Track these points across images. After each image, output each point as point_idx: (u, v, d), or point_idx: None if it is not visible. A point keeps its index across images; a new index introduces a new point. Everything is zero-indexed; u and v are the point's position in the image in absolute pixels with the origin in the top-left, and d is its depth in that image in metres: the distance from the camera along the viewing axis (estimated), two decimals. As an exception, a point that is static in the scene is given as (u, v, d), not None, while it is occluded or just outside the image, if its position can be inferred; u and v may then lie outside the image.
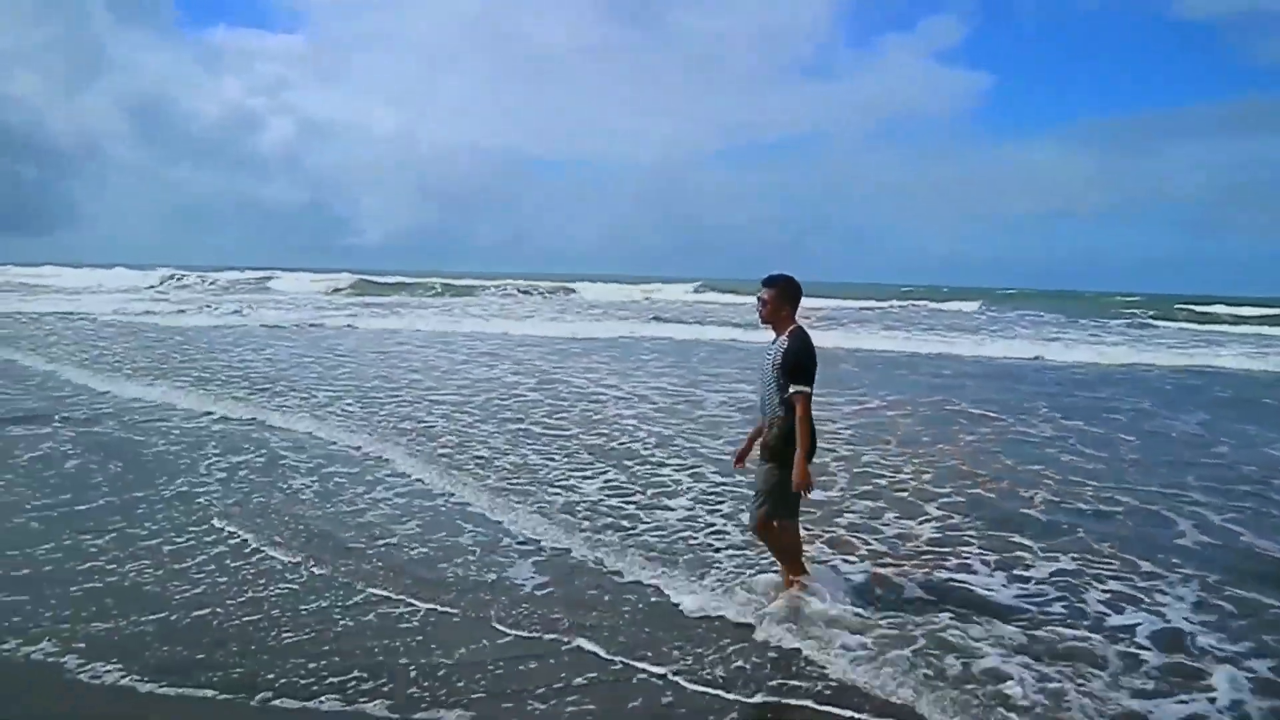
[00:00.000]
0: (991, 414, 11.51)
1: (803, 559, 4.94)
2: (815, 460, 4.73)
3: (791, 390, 4.47)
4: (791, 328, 4.62)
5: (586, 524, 6.29)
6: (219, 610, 4.66)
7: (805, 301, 4.86)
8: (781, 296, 4.66)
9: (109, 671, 3.97)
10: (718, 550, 5.75)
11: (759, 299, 4.70)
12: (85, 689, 3.86)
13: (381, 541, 5.88)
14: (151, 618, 4.55)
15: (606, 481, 7.52)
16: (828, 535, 6.10)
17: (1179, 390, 15.02)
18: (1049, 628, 4.63)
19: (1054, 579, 5.37)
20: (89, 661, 4.06)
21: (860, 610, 4.65)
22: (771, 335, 4.77)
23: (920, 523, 6.51)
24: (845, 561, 5.55)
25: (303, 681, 3.92)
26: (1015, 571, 5.49)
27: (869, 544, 5.97)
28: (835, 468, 8.02)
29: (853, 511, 6.72)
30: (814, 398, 4.56)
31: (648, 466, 8.10)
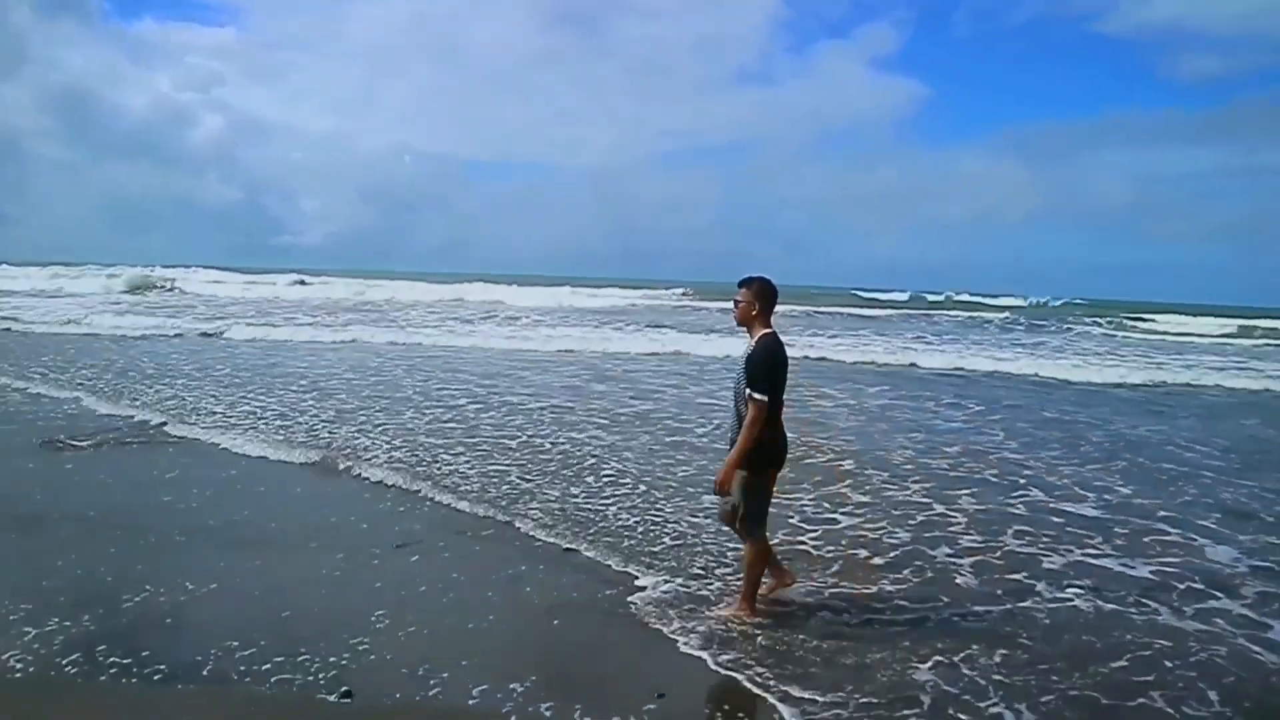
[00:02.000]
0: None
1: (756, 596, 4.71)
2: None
3: (748, 393, 4.37)
4: (763, 332, 4.49)
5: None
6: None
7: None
8: (755, 297, 4.53)
9: None
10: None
11: (734, 300, 4.61)
12: None
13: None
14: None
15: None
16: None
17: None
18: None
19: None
20: None
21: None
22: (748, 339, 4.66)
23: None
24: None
25: None
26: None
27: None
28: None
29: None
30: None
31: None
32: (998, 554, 5.92)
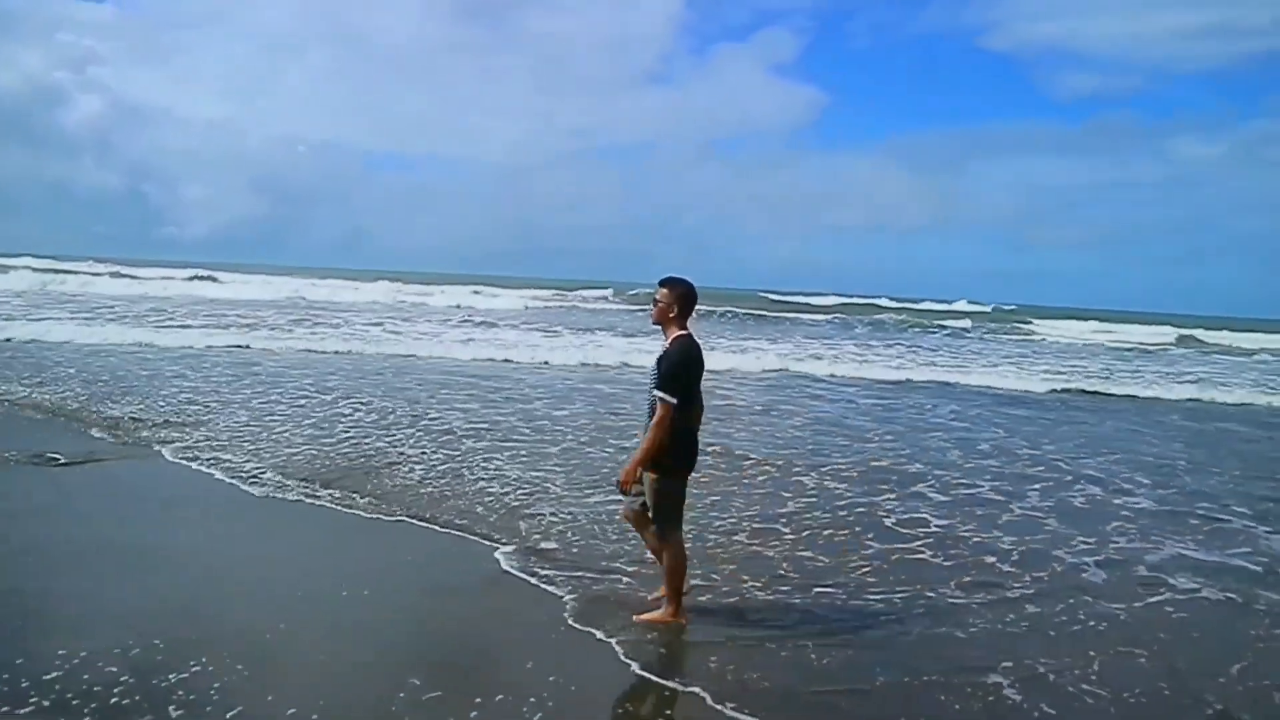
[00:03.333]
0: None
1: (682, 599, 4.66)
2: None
3: (655, 394, 4.33)
4: (678, 334, 4.45)
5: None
6: None
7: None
8: (675, 300, 4.48)
9: None
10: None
11: (653, 299, 4.56)
12: None
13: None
14: None
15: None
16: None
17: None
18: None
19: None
20: None
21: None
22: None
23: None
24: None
25: None
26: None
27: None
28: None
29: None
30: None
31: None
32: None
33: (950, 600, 5.22)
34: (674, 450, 4.39)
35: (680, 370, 4.35)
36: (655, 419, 4.30)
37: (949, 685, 4.08)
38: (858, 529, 6.59)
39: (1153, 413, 15.10)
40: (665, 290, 4.50)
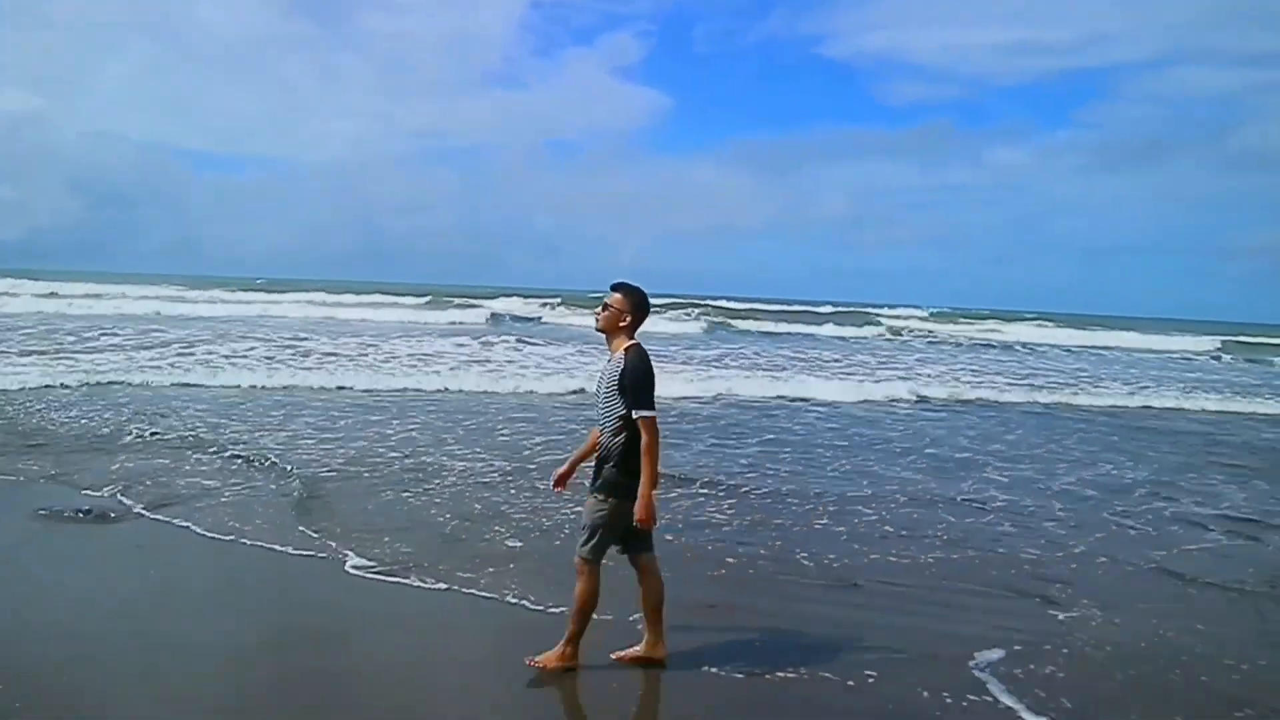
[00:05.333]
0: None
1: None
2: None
3: (636, 415, 3.94)
4: (631, 343, 4.09)
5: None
6: None
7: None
8: (630, 308, 4.10)
9: None
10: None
11: (603, 304, 4.14)
12: None
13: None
14: None
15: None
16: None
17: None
18: None
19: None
20: None
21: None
22: (609, 352, 4.19)
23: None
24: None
25: None
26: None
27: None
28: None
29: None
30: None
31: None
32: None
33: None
34: (629, 476, 4.01)
35: (651, 381, 4.01)
36: (647, 441, 3.94)
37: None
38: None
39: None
40: (619, 296, 4.11)
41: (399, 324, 29.56)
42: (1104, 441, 12.06)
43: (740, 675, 4.16)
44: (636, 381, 3.95)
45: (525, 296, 51.05)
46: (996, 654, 4.51)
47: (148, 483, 7.19)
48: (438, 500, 7.13)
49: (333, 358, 17.10)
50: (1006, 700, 4.01)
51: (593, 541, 4.06)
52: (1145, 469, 10.12)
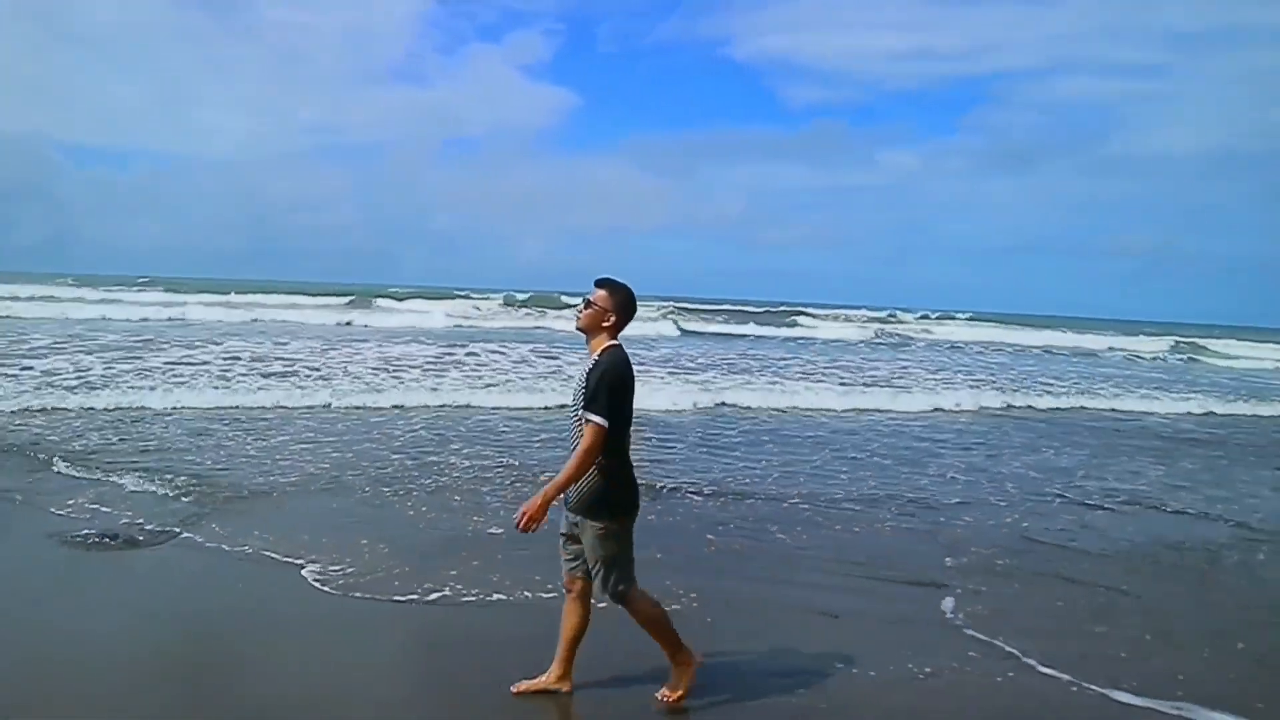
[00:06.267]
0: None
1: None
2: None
3: (583, 414, 3.54)
4: (611, 344, 3.68)
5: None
6: None
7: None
8: (615, 307, 3.70)
9: None
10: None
11: (585, 301, 3.73)
12: None
13: None
14: None
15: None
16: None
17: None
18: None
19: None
20: None
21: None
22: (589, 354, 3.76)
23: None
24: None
25: None
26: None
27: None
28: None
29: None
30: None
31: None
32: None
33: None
34: (620, 488, 3.64)
35: (616, 383, 3.55)
36: (584, 445, 3.48)
37: None
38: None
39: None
40: (604, 293, 3.70)
41: (349, 329, 27.15)
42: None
43: None
44: (599, 381, 3.51)
45: (440, 298, 44.98)
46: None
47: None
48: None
49: (375, 375, 14.60)
50: None
51: (615, 572, 3.65)
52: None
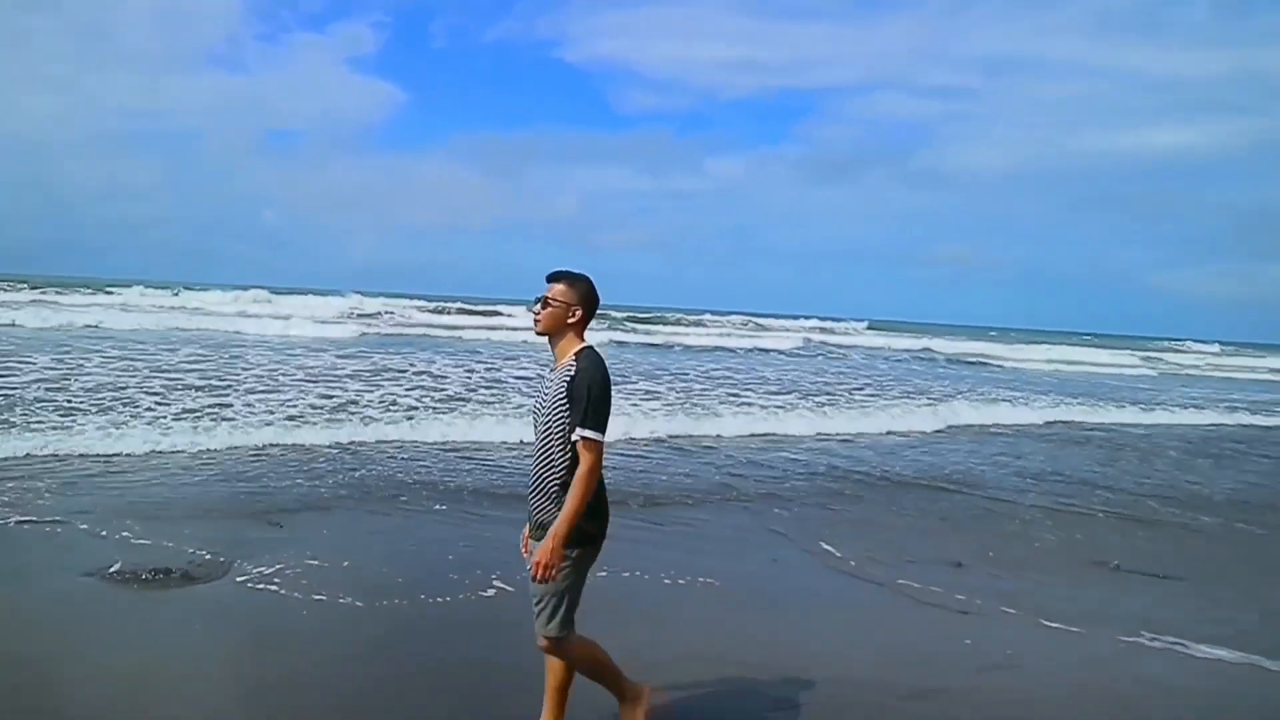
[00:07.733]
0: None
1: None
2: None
3: (579, 435, 3.12)
4: (582, 346, 3.28)
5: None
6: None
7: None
8: (580, 300, 3.29)
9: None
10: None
11: (540, 300, 3.30)
12: None
13: None
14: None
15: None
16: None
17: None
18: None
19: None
20: None
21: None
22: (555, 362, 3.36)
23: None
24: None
25: None
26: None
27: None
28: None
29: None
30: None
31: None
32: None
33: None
34: (594, 513, 3.22)
35: (604, 392, 3.17)
36: (585, 467, 3.10)
37: None
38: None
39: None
40: (562, 286, 3.29)
41: (252, 335, 23.27)
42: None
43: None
44: (589, 392, 3.11)
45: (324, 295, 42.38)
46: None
47: None
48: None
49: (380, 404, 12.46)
50: None
51: (561, 612, 3.22)
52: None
